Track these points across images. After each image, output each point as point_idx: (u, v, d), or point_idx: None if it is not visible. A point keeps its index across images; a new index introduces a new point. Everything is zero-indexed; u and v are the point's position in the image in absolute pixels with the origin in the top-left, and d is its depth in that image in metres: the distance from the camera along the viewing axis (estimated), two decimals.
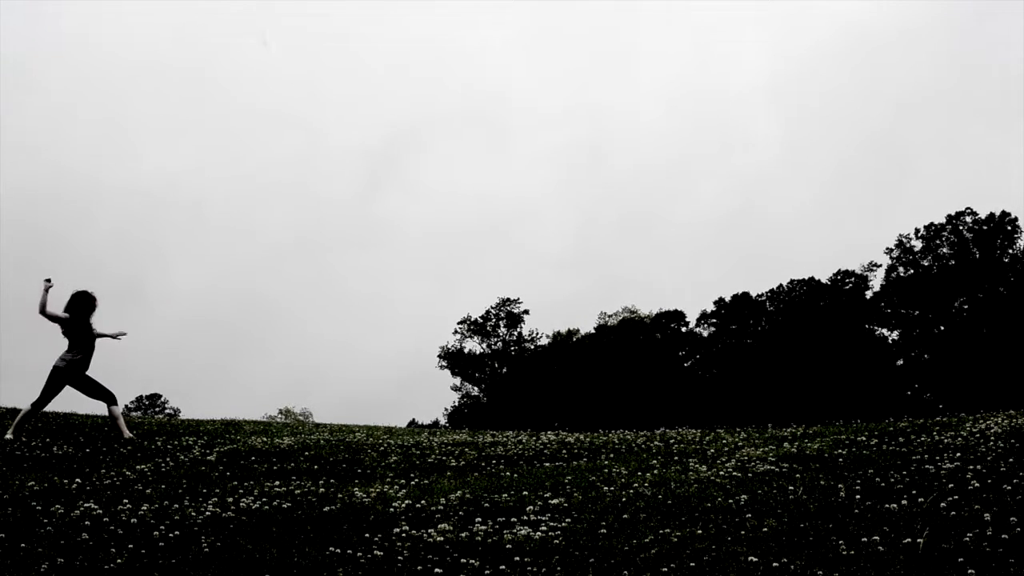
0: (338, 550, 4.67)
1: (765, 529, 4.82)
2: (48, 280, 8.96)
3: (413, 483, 6.96)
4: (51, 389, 9.13)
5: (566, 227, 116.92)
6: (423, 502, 5.86)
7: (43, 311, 8.97)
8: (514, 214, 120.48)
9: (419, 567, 4.40)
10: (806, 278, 62.14)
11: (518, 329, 71.93)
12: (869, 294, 60.32)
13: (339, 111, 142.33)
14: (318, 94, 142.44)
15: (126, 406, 58.16)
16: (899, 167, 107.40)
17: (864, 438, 8.12)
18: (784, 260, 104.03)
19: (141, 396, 76.78)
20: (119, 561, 4.35)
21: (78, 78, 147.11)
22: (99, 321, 9.46)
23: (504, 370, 70.09)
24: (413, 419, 67.52)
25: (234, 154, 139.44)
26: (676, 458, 7.97)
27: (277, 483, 6.73)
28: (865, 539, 4.44)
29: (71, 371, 9.14)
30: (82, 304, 9.22)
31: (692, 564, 4.26)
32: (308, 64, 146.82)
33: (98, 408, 9.92)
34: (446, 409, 71.06)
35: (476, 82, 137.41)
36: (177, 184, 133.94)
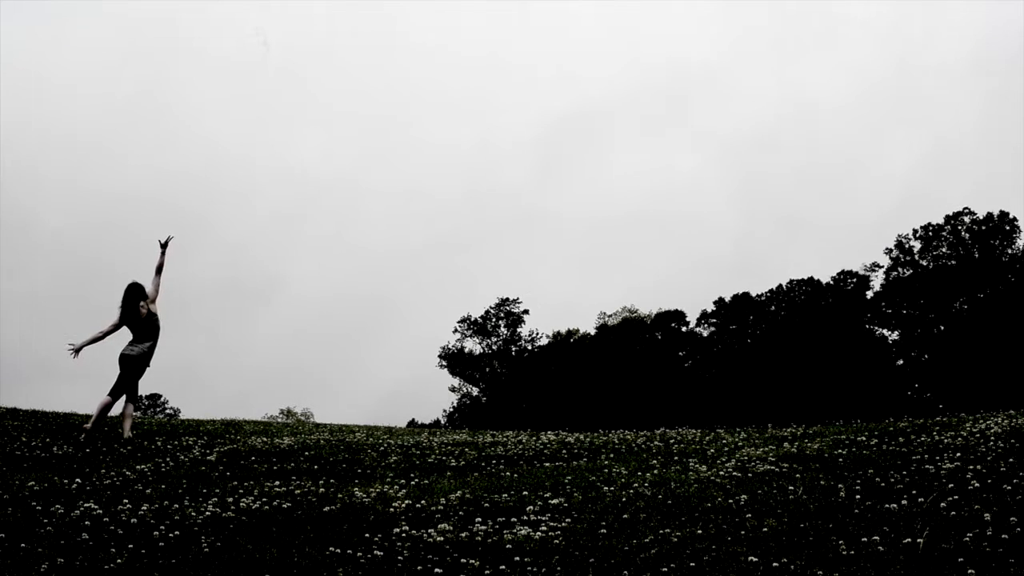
0: (338, 550, 4.67)
1: (765, 529, 4.82)
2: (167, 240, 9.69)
3: (413, 483, 6.95)
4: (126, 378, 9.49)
5: (726, 220, 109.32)
6: (423, 502, 5.85)
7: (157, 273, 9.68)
8: (673, 206, 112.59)
9: (419, 567, 4.40)
10: (806, 278, 62.18)
11: (518, 329, 71.92)
12: (870, 294, 60.32)
13: (509, 106, 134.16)
14: (490, 85, 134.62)
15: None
16: None
17: (864, 438, 8.11)
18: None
19: (141, 396, 76.68)
20: (119, 561, 4.35)
21: (241, 62, 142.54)
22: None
23: (504, 370, 70.05)
24: (413, 419, 67.57)
25: (395, 146, 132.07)
26: (676, 458, 7.97)
27: (277, 483, 6.73)
28: (865, 539, 4.44)
29: (141, 361, 9.54)
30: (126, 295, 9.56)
31: (692, 564, 4.26)
32: (483, 49, 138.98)
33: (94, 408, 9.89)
34: (445, 410, 71.10)
35: (663, 64, 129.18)
36: (330, 178, 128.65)
